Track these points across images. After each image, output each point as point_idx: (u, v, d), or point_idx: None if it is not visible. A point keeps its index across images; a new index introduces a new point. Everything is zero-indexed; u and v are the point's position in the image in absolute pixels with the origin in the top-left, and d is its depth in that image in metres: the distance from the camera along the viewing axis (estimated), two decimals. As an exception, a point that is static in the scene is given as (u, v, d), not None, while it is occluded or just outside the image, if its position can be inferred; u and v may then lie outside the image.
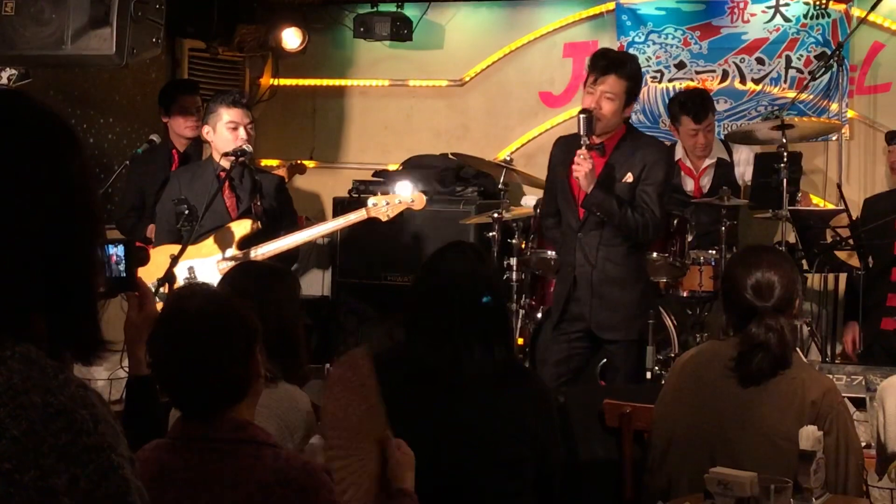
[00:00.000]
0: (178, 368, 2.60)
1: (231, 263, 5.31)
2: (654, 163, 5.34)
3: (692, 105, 6.99)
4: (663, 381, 4.78)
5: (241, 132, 5.57)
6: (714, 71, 7.67)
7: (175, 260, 5.12)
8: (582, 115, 5.28)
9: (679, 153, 7.15)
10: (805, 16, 7.52)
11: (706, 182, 7.05)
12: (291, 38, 8.47)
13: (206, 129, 5.68)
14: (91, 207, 1.54)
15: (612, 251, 5.37)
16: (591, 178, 5.25)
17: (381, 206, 5.70)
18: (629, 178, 5.32)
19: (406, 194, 5.75)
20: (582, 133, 5.26)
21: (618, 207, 5.25)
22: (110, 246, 3.04)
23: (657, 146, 5.54)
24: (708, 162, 7.08)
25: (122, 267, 3.05)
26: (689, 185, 7.10)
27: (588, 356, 5.59)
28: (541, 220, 6.02)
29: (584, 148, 5.25)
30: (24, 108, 1.52)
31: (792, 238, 6.33)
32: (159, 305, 4.90)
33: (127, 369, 3.47)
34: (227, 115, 5.58)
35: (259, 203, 5.62)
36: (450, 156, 7.65)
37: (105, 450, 1.38)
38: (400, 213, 5.77)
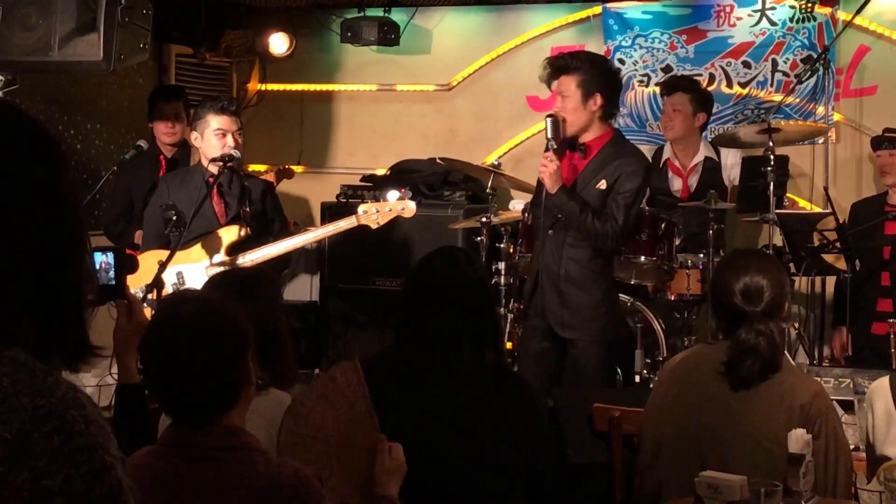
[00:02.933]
0: (170, 375, 2.59)
1: (220, 269, 5.31)
2: (630, 174, 5.38)
3: (667, 80, 7.30)
4: (652, 385, 4.79)
5: (230, 139, 5.57)
6: (701, 75, 7.69)
7: (163, 266, 5.11)
8: (548, 118, 5.42)
9: (667, 153, 7.17)
10: (791, 19, 7.55)
11: (694, 181, 7.08)
12: (279, 43, 8.47)
13: (193, 136, 5.68)
14: (78, 215, 1.56)
15: (577, 252, 5.44)
16: (555, 179, 5.33)
17: (371, 214, 5.69)
18: (602, 184, 5.38)
19: (396, 202, 5.75)
20: (549, 136, 5.39)
21: (579, 211, 5.31)
22: (100, 253, 3.03)
23: (637, 157, 5.54)
24: (696, 160, 7.10)
25: (111, 274, 3.05)
26: (676, 184, 7.12)
27: (558, 354, 5.61)
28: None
29: (549, 150, 5.36)
30: (10, 118, 1.54)
31: (779, 241, 6.34)
32: (147, 312, 4.91)
33: (116, 376, 3.47)
34: (215, 122, 5.58)
35: (248, 209, 5.61)
36: (437, 160, 7.66)
37: (97, 450, 1.39)
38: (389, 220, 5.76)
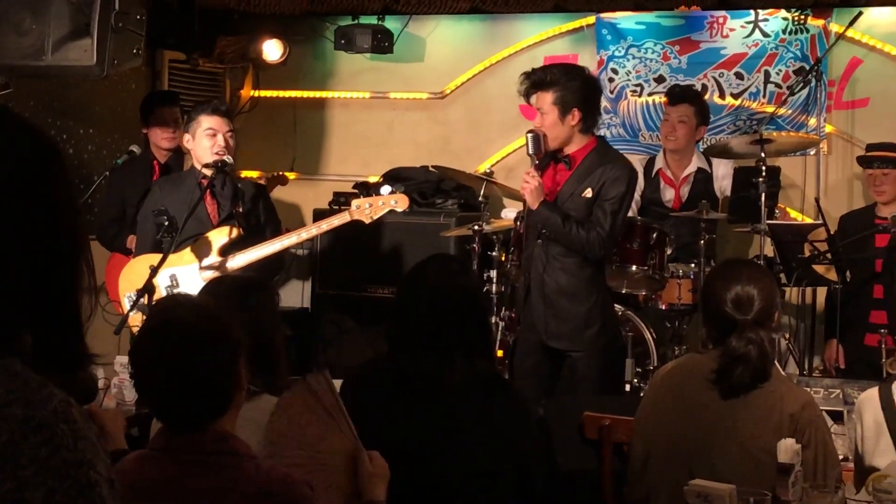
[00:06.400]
0: (163, 381, 2.59)
1: (213, 272, 5.31)
2: (615, 180, 5.35)
3: (673, 90, 7.27)
4: (642, 394, 4.80)
5: (220, 139, 5.57)
6: (693, 85, 7.70)
7: (154, 271, 5.11)
8: (529, 134, 5.41)
9: (660, 163, 7.18)
10: (784, 31, 7.57)
11: (685, 191, 7.10)
12: (272, 49, 8.47)
13: (186, 138, 5.70)
14: (75, 222, 1.54)
15: (568, 262, 5.42)
16: (536, 196, 5.33)
17: (364, 209, 5.68)
18: (588, 193, 5.37)
19: (388, 195, 5.74)
20: (530, 151, 5.39)
21: (562, 224, 5.30)
22: None
23: (621, 164, 5.50)
24: (688, 171, 7.12)
25: None
26: (668, 194, 7.13)
27: (552, 368, 5.59)
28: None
29: (531, 166, 5.38)
30: (7, 125, 1.53)
31: (770, 252, 6.36)
32: (140, 317, 4.91)
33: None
34: (206, 123, 5.58)
35: (241, 209, 5.61)
36: (430, 168, 7.67)
37: (83, 466, 1.38)
38: (383, 215, 5.74)
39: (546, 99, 5.39)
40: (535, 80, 5.45)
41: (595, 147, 5.48)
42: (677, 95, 7.13)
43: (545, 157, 5.44)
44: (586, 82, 5.50)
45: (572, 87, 5.40)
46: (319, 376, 2.89)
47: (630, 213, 6.83)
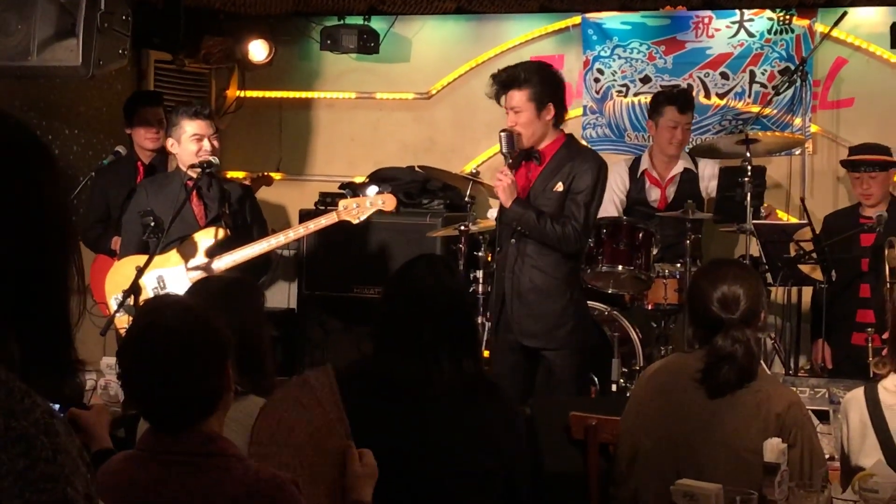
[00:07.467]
0: (150, 382, 2.58)
1: (200, 273, 5.30)
2: (584, 171, 5.40)
3: (679, 96, 7.13)
4: (628, 394, 4.81)
5: (206, 144, 5.56)
6: (679, 85, 7.71)
7: (140, 272, 5.10)
8: (502, 133, 5.44)
9: (645, 163, 7.18)
10: (769, 31, 7.59)
11: (671, 192, 7.09)
12: (258, 50, 8.46)
13: (170, 142, 5.68)
14: (64, 223, 1.51)
15: (542, 260, 5.44)
16: (509, 193, 5.38)
17: (351, 209, 5.68)
18: (559, 187, 5.41)
19: (375, 196, 5.74)
20: (504, 150, 5.42)
21: (536, 220, 5.34)
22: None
23: (591, 156, 5.56)
24: (674, 171, 7.12)
25: None
26: (654, 194, 7.13)
27: (530, 368, 5.59)
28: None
29: (505, 164, 5.42)
30: None
31: (756, 251, 6.37)
32: (126, 319, 4.89)
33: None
34: (190, 128, 5.57)
35: (227, 211, 5.61)
36: (416, 168, 7.66)
37: (60, 480, 1.35)
38: (370, 216, 5.74)
39: (521, 96, 5.42)
40: (509, 79, 5.48)
41: (564, 142, 5.53)
42: (687, 102, 7.07)
43: (518, 155, 5.48)
44: (555, 77, 5.57)
45: (546, 82, 5.46)
46: (321, 372, 2.88)
47: (616, 213, 6.86)
